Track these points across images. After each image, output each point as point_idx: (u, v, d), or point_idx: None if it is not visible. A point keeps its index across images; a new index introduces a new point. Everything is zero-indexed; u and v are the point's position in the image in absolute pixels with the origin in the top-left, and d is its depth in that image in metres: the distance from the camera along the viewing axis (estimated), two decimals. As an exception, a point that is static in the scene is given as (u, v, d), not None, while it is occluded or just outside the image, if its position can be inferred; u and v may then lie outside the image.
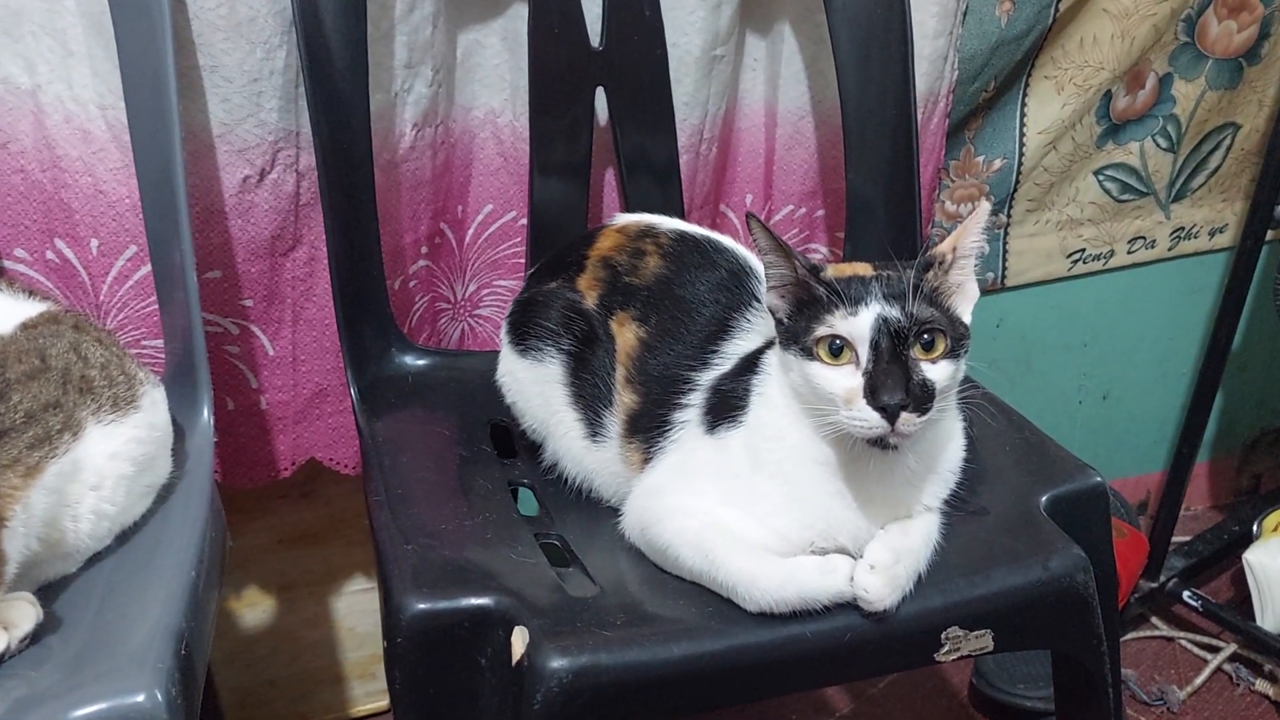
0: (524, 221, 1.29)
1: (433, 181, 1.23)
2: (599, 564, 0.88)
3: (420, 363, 1.14)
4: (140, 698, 0.68)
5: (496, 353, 1.09)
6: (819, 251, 1.43)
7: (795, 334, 0.79)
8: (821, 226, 1.42)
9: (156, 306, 1.07)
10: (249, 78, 1.05)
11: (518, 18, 1.21)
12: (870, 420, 0.74)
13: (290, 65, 1.07)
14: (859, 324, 0.76)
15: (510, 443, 1.08)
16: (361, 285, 1.07)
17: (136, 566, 0.83)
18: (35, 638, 0.75)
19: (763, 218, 1.38)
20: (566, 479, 0.99)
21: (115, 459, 0.82)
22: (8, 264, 1.09)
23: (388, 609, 0.81)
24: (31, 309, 0.89)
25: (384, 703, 1.50)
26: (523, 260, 1.32)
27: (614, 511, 0.94)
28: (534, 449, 1.04)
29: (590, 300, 0.97)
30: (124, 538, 0.85)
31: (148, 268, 1.07)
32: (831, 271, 0.80)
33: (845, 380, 0.76)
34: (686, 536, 0.83)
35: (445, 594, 0.79)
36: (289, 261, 1.15)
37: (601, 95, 1.21)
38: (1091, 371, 1.71)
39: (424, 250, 1.26)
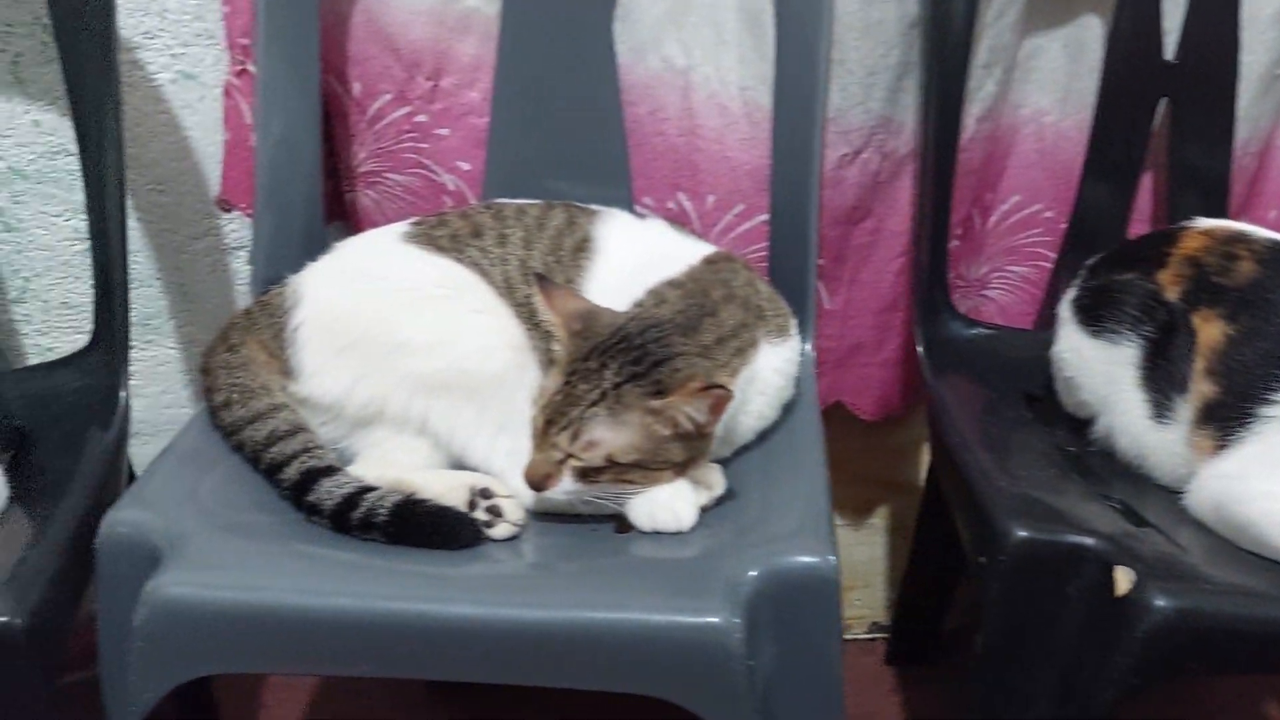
0: (1048, 214, 1.40)
1: (978, 171, 1.36)
2: (1167, 531, 0.98)
3: (966, 331, 1.28)
4: (817, 559, 0.87)
5: (1025, 331, 1.21)
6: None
7: None
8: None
9: (754, 254, 1.28)
10: (867, 71, 1.23)
11: (1084, 26, 1.31)
12: None
13: (898, 63, 1.23)
14: None
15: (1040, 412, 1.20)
16: (935, 257, 1.22)
17: (779, 462, 1.03)
18: (718, 501, 0.98)
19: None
20: (1116, 453, 1.09)
21: (776, 374, 1.03)
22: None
23: (987, 531, 0.95)
24: (703, 248, 1.12)
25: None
26: (1038, 249, 1.42)
27: (1161, 488, 1.03)
28: (1069, 421, 1.15)
29: (1171, 293, 1.06)
30: (761, 438, 1.06)
31: (750, 223, 1.29)
32: None
33: None
34: (1276, 518, 0.91)
35: (1047, 528, 0.92)
36: (857, 230, 1.33)
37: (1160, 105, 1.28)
38: None
39: (958, 231, 1.39)
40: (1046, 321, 1.37)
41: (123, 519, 0.90)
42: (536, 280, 0.99)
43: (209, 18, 1.30)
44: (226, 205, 1.33)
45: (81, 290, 1.38)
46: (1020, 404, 1.20)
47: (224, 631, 0.83)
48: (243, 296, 1.45)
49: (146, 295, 1.42)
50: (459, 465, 1.03)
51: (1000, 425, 1.15)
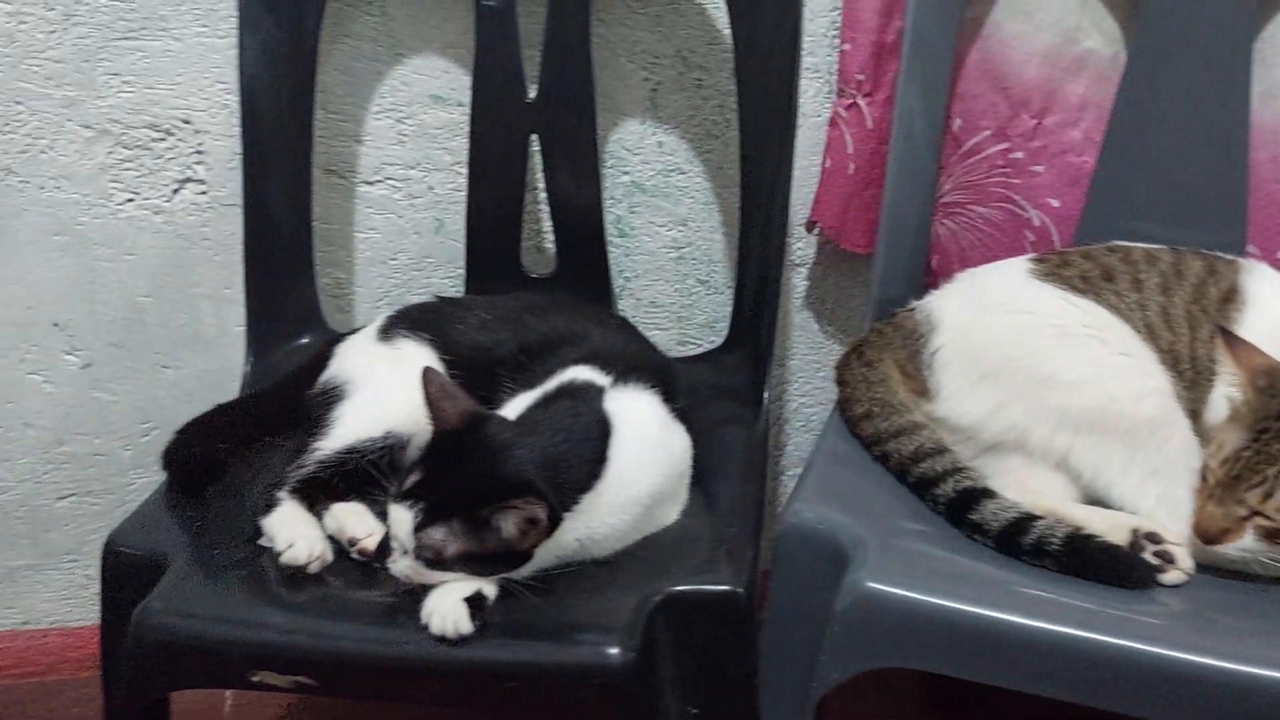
0: None
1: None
2: None
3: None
4: None
5: None
6: None
7: None
8: None
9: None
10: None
11: None
12: None
13: None
14: None
15: None
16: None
17: None
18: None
19: None
20: None
21: None
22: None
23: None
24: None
25: None
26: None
27: None
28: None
29: None
30: None
31: None
32: None
33: None
34: None
35: None
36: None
37: None
38: None
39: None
40: None
41: (803, 511, 1.00)
42: (1221, 334, 0.98)
43: (819, 53, 1.41)
44: (813, 225, 1.43)
45: (669, 293, 1.54)
46: None
47: (921, 631, 0.89)
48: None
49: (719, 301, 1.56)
50: (1093, 502, 1.04)
51: None
